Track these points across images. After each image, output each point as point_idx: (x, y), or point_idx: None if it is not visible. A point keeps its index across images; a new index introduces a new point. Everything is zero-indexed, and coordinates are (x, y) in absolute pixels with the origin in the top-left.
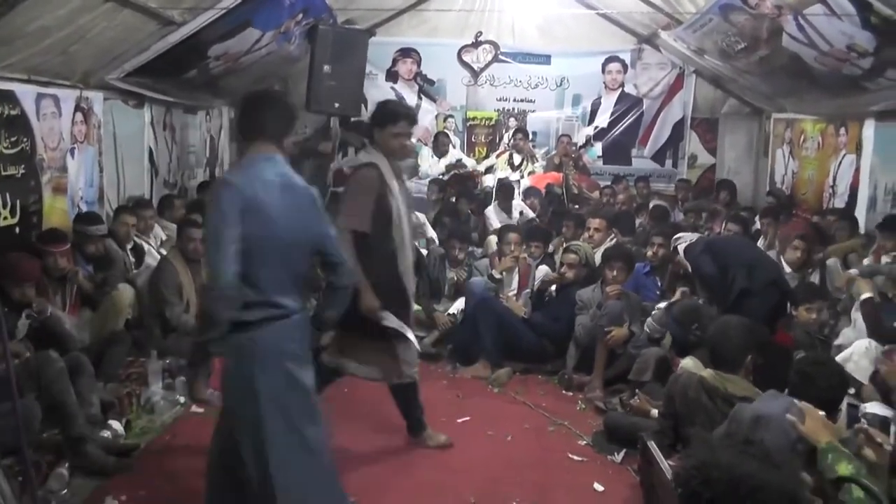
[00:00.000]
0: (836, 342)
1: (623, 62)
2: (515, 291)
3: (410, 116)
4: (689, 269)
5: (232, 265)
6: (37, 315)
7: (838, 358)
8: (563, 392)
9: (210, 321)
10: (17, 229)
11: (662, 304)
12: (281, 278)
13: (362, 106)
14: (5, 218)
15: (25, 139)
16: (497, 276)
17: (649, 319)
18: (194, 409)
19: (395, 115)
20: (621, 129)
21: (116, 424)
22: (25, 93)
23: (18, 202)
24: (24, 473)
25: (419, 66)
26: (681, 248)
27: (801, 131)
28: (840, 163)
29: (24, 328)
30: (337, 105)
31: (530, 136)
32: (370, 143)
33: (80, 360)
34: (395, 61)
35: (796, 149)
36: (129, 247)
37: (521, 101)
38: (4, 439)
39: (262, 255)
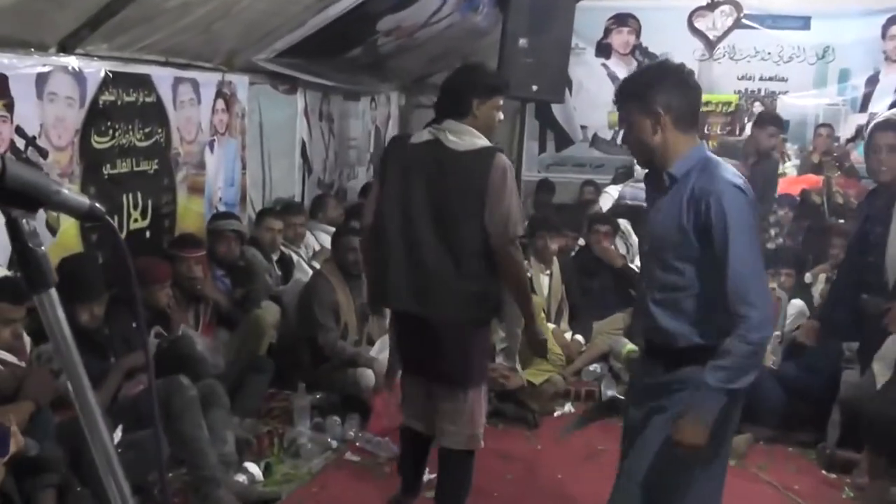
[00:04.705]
0: None
1: None
2: None
3: None
4: None
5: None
6: (166, 334)
7: None
8: (823, 473)
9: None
10: (148, 233)
11: None
12: None
13: (566, 90)
14: (136, 220)
15: (160, 130)
16: None
17: None
18: (349, 455)
19: None
20: None
21: (254, 468)
22: (162, 77)
23: (150, 203)
24: None
25: (638, 36)
26: None
27: None
28: None
29: (153, 348)
30: (535, 88)
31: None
32: None
33: (215, 388)
34: (607, 31)
35: None
36: (275, 258)
37: (770, 79)
38: (132, 474)
39: None
